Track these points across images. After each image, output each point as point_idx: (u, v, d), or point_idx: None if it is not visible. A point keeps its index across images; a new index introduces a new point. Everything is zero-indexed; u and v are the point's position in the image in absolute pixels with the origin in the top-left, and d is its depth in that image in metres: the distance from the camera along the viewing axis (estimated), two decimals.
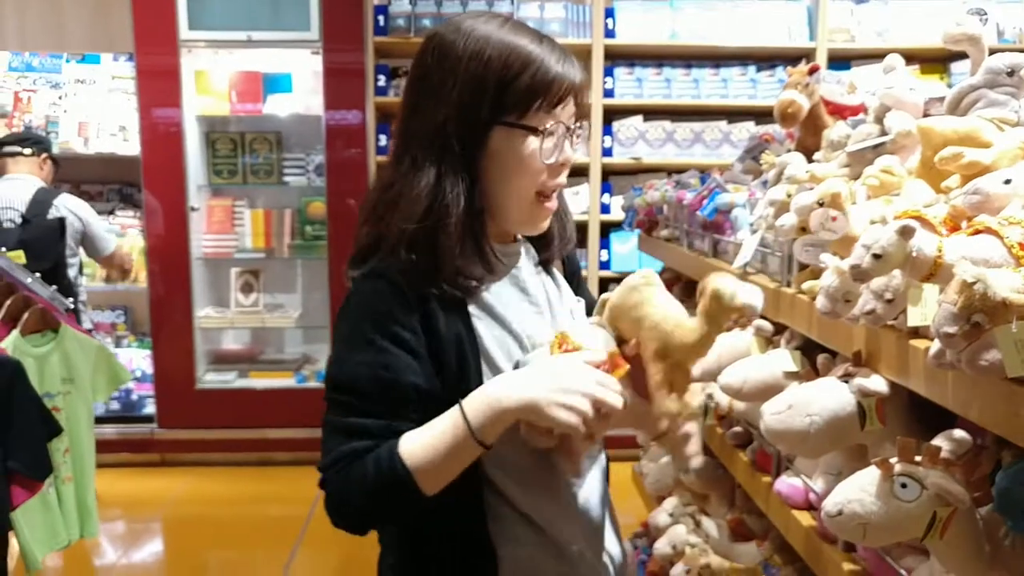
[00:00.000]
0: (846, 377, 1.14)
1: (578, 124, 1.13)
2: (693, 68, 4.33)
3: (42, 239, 3.55)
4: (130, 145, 4.30)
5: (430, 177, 1.06)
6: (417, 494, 1.01)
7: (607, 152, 4.31)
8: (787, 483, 1.44)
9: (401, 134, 1.12)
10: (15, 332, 1.96)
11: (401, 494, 1.02)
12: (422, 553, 1.13)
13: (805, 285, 1.37)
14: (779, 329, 1.56)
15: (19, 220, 3.60)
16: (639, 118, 4.34)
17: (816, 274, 1.33)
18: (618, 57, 4.32)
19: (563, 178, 1.14)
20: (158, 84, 4.16)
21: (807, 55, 4.15)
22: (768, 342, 1.58)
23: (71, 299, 2.23)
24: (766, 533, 1.77)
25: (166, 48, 4.13)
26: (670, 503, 1.96)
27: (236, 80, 4.36)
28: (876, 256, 0.91)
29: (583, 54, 4.27)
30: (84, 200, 3.85)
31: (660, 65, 4.34)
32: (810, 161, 1.63)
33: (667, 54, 4.35)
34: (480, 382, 1.06)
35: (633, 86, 4.31)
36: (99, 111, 4.36)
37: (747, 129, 4.25)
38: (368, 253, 1.11)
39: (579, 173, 4.37)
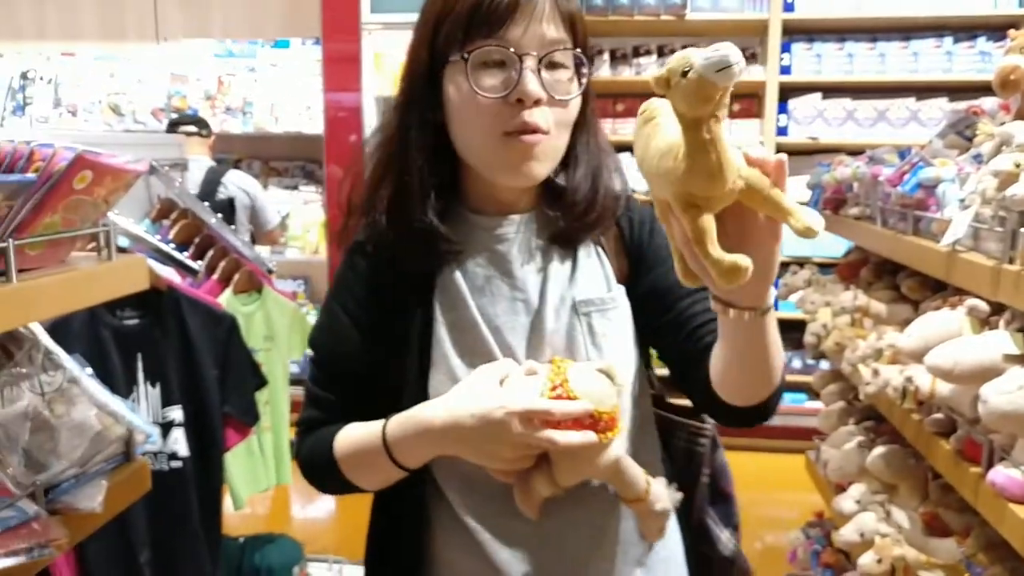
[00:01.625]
0: None
1: (558, 50, 0.93)
2: (879, 41, 4.07)
3: None
4: (314, 124, 4.57)
5: (389, 136, 1.04)
6: (352, 485, 1.02)
7: (782, 131, 4.13)
8: (1004, 474, 1.33)
9: None
10: (228, 291, 2.14)
11: (337, 480, 1.03)
12: (372, 536, 1.12)
13: None
14: (995, 310, 1.45)
15: None
16: (817, 96, 4.13)
17: None
18: (796, 32, 4.13)
19: (535, 117, 0.92)
20: (341, 67, 4.39)
21: (1016, 24, 3.79)
22: (983, 323, 1.47)
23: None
24: (966, 530, 1.65)
25: (349, 33, 4.35)
26: (856, 490, 1.87)
27: None
28: None
29: (759, 29, 4.12)
30: (272, 175, 4.12)
31: (842, 39, 4.11)
32: None
33: (850, 27, 4.12)
34: (424, 371, 1.00)
35: (812, 62, 4.11)
36: (288, 92, 4.66)
37: (939, 106, 3.95)
38: (356, 216, 1.10)
39: None
